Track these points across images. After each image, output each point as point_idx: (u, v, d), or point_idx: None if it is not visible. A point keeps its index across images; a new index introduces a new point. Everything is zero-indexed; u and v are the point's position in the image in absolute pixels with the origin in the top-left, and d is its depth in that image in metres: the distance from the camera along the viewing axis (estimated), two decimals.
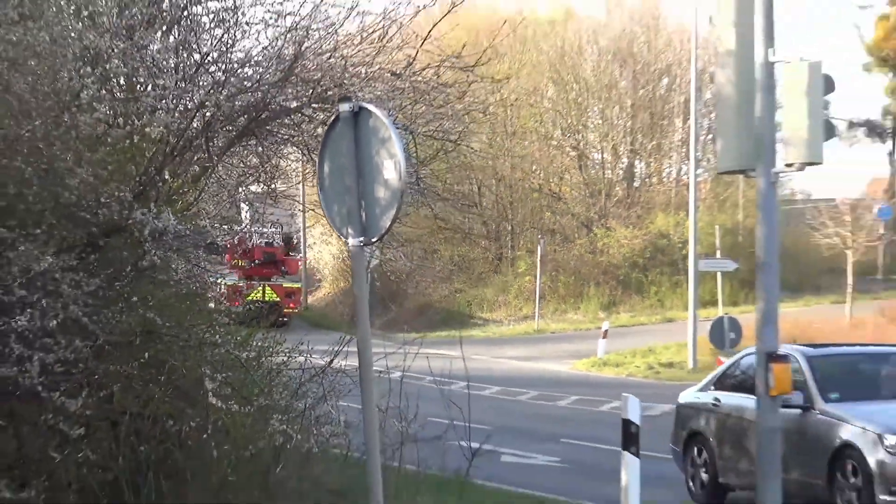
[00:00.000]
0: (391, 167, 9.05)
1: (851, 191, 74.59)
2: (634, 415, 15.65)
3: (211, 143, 11.04)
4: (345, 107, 9.23)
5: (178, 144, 10.51)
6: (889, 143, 69.15)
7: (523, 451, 25.24)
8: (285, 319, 55.74)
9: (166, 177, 9.96)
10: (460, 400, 35.38)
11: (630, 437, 15.65)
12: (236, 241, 57.55)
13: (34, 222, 9.12)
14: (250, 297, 53.24)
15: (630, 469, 15.56)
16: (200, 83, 10.84)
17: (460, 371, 42.93)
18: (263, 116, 11.37)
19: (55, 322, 8.88)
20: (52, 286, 8.96)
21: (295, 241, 64.41)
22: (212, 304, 10.55)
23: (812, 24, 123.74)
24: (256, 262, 56.59)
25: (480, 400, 32.72)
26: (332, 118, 9.38)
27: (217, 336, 10.56)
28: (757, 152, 12.57)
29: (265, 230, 47.07)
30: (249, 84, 11.07)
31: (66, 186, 9.29)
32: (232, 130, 11.22)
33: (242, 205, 18.77)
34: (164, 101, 10.36)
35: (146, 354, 9.99)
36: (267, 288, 56.84)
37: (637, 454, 15.52)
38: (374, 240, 9.24)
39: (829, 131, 13.90)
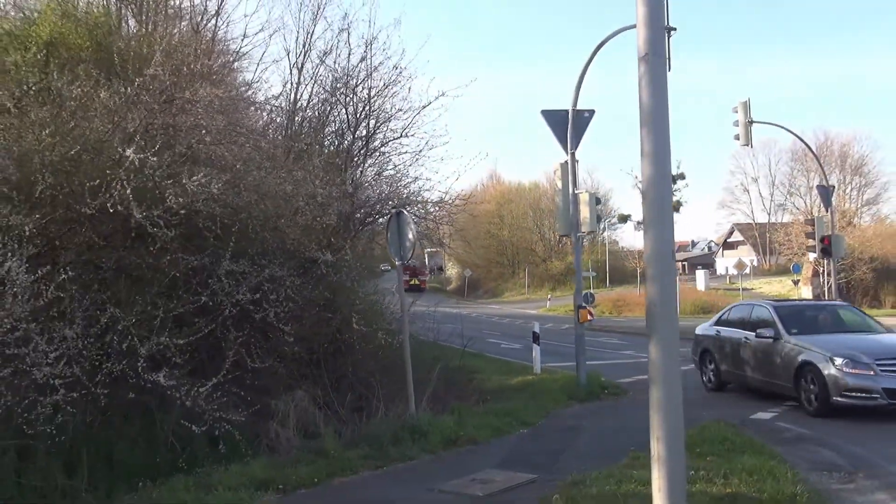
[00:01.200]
0: (410, 234, 8.38)
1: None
2: (537, 329, 14.90)
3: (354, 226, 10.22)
4: (394, 210, 8.58)
5: (339, 226, 9.74)
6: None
7: (509, 342, 23.96)
8: (423, 289, 57.07)
9: (332, 240, 9.10)
10: (480, 321, 34.19)
11: (535, 337, 14.81)
12: (405, 265, 65.88)
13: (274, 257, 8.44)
14: (411, 282, 54.59)
15: (536, 350, 14.70)
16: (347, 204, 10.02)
17: (496, 313, 41.44)
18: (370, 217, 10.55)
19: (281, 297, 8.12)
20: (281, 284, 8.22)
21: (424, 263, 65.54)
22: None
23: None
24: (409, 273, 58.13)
25: (515, 326, 31.53)
26: (391, 215, 8.68)
27: (357, 301, 9.66)
28: (571, 227, 11.62)
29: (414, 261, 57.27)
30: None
31: (287, 241, 8.60)
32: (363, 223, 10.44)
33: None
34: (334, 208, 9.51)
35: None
36: (415, 279, 57.73)
37: (539, 344, 14.60)
38: (406, 261, 8.43)
39: (600, 220, 12.89)
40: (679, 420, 4.30)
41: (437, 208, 12.68)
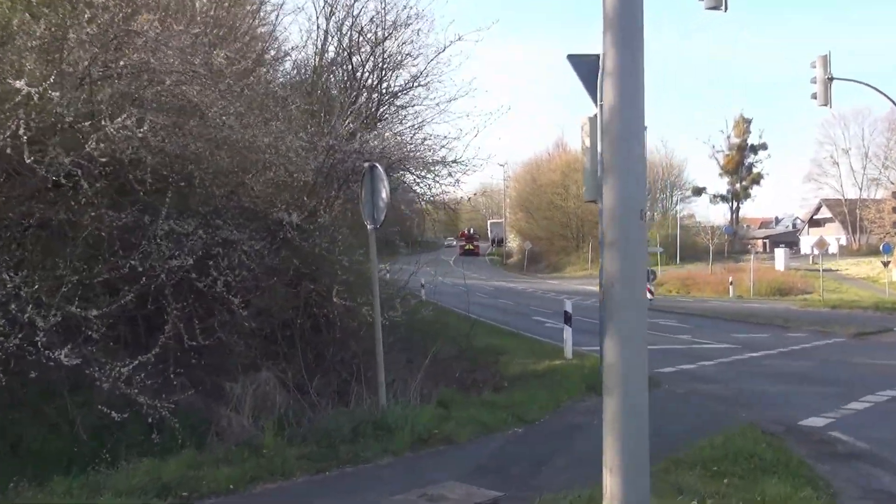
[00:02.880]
0: (384, 193, 7.32)
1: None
2: (569, 308, 13.77)
3: (338, 185, 9.24)
4: (366, 164, 7.53)
5: (319, 184, 8.78)
6: (728, 204, 64.36)
7: (558, 322, 22.76)
8: (478, 255, 70.65)
9: (305, 199, 8.14)
10: (533, 297, 33.46)
11: (568, 318, 13.72)
12: (461, 232, 70.22)
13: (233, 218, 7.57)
14: (466, 248, 69.62)
15: (567, 333, 13.56)
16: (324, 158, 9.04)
17: (555, 288, 40.57)
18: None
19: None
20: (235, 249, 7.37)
21: (476, 232, 76.35)
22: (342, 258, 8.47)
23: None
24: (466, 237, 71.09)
25: (558, 301, 30.87)
26: (364, 170, 7.65)
27: (339, 271, 8.72)
28: (598, 192, 10.24)
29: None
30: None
31: (246, 199, 7.70)
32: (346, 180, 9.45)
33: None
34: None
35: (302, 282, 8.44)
36: (469, 244, 70.80)
37: (571, 325, 13.55)
38: (378, 226, 7.41)
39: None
40: (642, 444, 3.18)
41: (451, 170, 11.61)
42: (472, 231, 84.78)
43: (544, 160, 72.50)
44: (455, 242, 72.77)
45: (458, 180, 12.24)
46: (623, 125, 3.58)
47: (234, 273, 7.12)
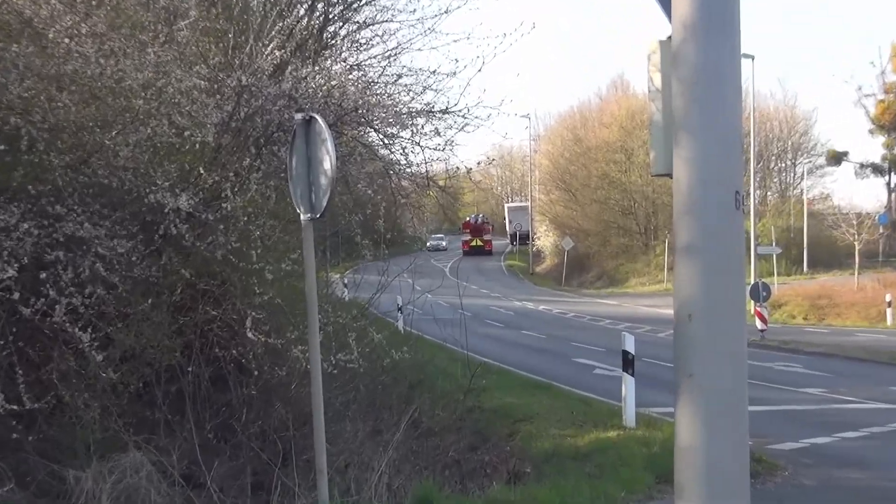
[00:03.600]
0: (327, 163, 7.19)
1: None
2: (630, 346, 13.77)
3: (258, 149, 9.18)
4: (299, 116, 7.39)
5: (231, 147, 8.73)
6: (884, 178, 63.72)
7: (612, 366, 22.90)
8: (487, 249, 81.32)
9: (201, 172, 8.06)
10: (576, 328, 33.86)
11: (628, 362, 13.74)
12: (465, 221, 75.20)
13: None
14: (472, 244, 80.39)
15: (628, 385, 13.62)
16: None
17: (611, 313, 41.10)
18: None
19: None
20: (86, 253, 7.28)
21: (487, 220, 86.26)
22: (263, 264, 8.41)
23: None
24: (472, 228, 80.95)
25: (612, 332, 31.11)
26: (294, 127, 7.53)
27: (257, 288, 8.65)
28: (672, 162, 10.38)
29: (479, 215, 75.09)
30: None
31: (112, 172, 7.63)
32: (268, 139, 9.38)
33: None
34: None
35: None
36: (477, 239, 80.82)
37: (633, 374, 13.59)
38: (318, 216, 7.27)
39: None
40: None
41: (442, 124, 11.58)
42: (480, 219, 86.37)
43: (593, 109, 73.05)
44: (439, 243, 74.52)
45: (452, 141, 12.17)
46: (706, 55, 3.65)
47: (84, 292, 6.98)
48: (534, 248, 74.30)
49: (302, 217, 7.37)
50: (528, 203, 76.76)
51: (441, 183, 14.39)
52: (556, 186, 70.84)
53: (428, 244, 76.66)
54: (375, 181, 12.73)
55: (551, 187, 71.97)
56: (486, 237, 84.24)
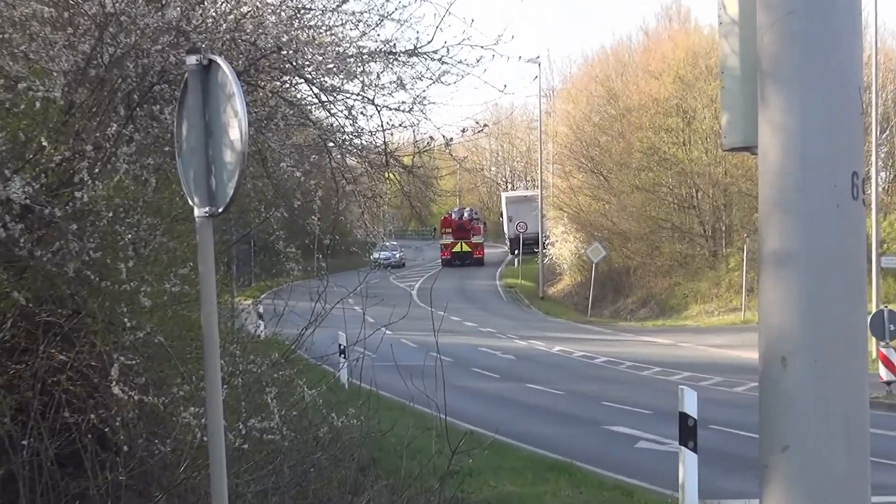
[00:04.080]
0: (235, 126, 7.22)
1: None
2: (692, 408, 13.86)
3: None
4: (192, 59, 7.42)
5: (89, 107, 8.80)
6: None
7: (665, 437, 23.06)
8: (476, 260, 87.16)
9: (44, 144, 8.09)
10: (609, 380, 34.19)
11: (687, 430, 13.85)
12: (445, 217, 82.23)
13: None
14: (456, 249, 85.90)
15: (688, 464, 13.77)
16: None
17: (663, 357, 41.53)
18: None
19: None
20: None
21: (477, 216, 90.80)
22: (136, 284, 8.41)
23: None
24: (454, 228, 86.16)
25: (664, 384, 31.31)
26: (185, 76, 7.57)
27: (128, 320, 8.65)
28: (755, 131, 10.46)
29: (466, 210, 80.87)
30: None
31: None
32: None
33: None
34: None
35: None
36: (462, 243, 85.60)
37: (695, 449, 13.77)
38: (220, 211, 7.29)
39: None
40: None
41: (407, 72, 11.68)
42: (466, 215, 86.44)
43: (636, 51, 73.39)
44: (391, 256, 74.72)
45: (423, 98, 12.15)
46: None
47: None
48: (545, 260, 74.64)
49: (196, 213, 7.37)
50: (537, 192, 77.00)
51: (406, 161, 14.42)
52: (578, 166, 71.30)
53: (374, 257, 75.94)
54: (308, 158, 12.72)
55: (572, 168, 72.42)
56: (476, 239, 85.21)
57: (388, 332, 14.13)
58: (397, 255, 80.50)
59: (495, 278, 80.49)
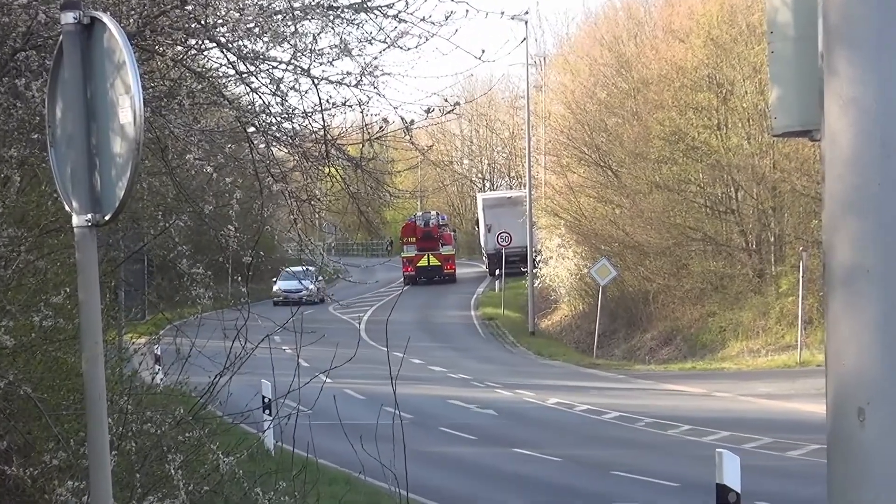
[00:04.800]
0: (127, 107, 7.23)
1: None
2: (733, 478, 13.89)
3: None
4: (68, 17, 7.42)
5: None
6: None
7: None
8: (446, 276, 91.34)
9: None
10: (622, 442, 34.38)
11: None
12: (407, 223, 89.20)
13: None
14: (422, 263, 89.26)
15: None
16: None
17: (694, 412, 41.82)
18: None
19: None
20: None
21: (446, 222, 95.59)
22: None
23: None
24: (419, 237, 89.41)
25: (695, 448, 31.36)
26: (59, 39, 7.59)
27: None
28: (815, 111, 10.43)
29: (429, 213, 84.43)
30: None
31: None
32: None
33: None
34: None
35: None
36: (430, 256, 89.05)
37: None
38: (106, 219, 7.30)
39: None
40: None
41: (352, 31, 11.73)
42: (434, 220, 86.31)
43: (650, 7, 73.48)
44: (291, 290, 70.17)
45: (374, 68, 12.12)
46: None
47: None
48: (536, 283, 74.68)
49: (74, 221, 7.40)
50: (524, 192, 77.04)
51: (353, 152, 14.41)
52: (579, 158, 71.30)
53: (275, 289, 76.49)
54: (222, 148, 12.74)
55: (570, 160, 72.43)
56: (446, 250, 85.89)
57: (328, 380, 14.13)
58: (311, 286, 68.23)
59: (470, 307, 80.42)
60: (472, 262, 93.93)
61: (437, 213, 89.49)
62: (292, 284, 70.72)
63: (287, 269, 69.67)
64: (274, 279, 72.70)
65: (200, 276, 10.60)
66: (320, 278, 64.61)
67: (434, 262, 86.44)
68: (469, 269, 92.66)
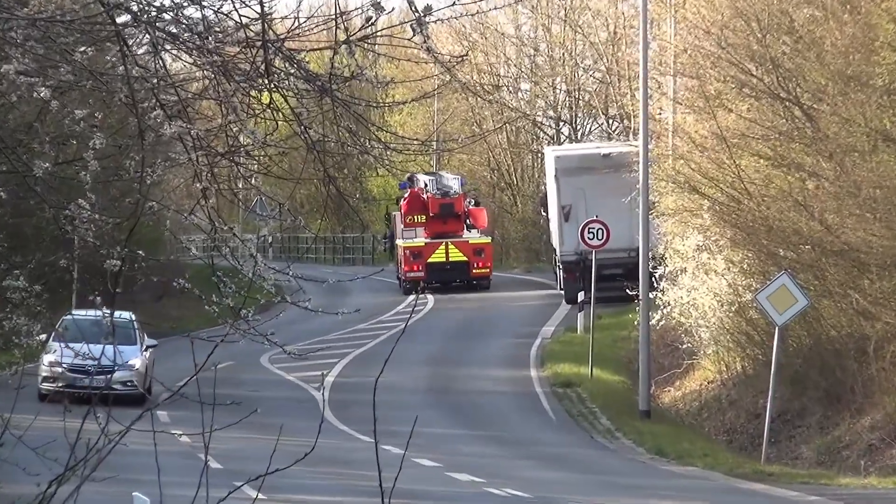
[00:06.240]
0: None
1: None
2: None
3: None
4: None
5: None
6: None
7: None
8: (477, 280, 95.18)
9: None
10: None
11: None
12: (410, 193, 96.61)
13: None
14: (436, 258, 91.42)
15: None
16: None
17: None
18: None
19: None
20: None
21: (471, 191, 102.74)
22: None
23: None
24: (432, 215, 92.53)
25: None
26: None
27: None
28: None
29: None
30: None
31: None
32: None
33: None
34: None
35: None
36: (450, 246, 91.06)
37: None
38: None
39: None
40: None
41: None
42: (455, 189, 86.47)
43: None
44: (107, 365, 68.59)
45: None
46: None
47: None
48: (656, 319, 74.63)
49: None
50: (633, 145, 77.37)
51: (315, 66, 14.48)
52: (738, 81, 71.29)
53: (45, 363, 64.55)
54: (69, 53, 12.88)
55: (723, 84, 72.42)
56: (475, 237, 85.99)
57: (261, 497, 14.13)
58: (135, 357, 63.69)
59: (528, 362, 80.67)
60: (533, 275, 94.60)
61: (461, 177, 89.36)
62: (83, 351, 48.36)
63: (72, 315, 58.73)
64: (44, 337, 49.40)
65: (22, 296, 10.73)
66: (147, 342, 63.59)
67: (456, 255, 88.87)
68: (527, 288, 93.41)
